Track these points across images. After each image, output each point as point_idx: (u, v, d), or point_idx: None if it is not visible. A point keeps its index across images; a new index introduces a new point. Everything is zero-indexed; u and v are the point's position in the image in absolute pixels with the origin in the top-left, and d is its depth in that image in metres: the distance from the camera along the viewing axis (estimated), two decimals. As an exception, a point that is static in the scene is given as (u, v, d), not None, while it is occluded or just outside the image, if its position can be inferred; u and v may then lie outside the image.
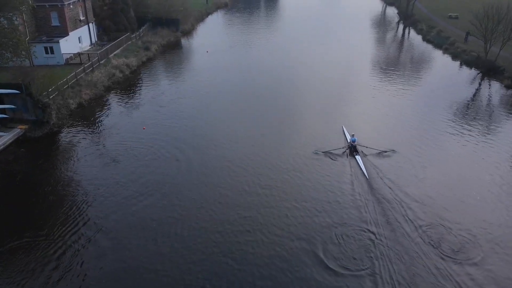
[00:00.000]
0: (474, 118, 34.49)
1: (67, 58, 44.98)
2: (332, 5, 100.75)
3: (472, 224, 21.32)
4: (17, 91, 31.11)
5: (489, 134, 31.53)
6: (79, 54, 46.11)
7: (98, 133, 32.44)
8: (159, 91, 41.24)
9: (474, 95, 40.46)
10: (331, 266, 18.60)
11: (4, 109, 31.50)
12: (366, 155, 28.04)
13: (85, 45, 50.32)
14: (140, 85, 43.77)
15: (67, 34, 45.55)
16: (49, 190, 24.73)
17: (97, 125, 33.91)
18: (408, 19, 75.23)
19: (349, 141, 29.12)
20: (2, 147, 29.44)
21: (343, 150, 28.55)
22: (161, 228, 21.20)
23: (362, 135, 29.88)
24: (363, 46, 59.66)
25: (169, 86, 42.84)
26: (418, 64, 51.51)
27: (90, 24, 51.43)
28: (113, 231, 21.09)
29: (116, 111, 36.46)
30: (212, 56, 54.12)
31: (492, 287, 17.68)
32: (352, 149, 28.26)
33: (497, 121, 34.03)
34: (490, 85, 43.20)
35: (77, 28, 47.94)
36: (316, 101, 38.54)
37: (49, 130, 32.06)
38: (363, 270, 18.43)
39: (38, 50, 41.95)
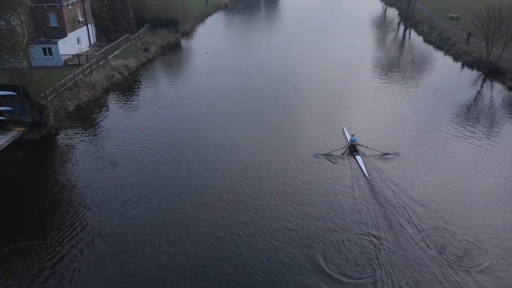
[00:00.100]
0: (477, 120, 34.14)
1: (66, 60, 44.66)
2: (332, 6, 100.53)
3: (477, 228, 20.91)
4: (14, 93, 30.79)
5: (492, 136, 31.15)
6: (77, 55, 45.76)
7: (96, 135, 32.08)
8: (158, 92, 40.89)
9: (476, 96, 40.10)
10: (332, 274, 18.15)
11: (1, 111, 31.20)
12: (366, 155, 27.73)
13: (84, 46, 49.97)
14: (139, 86, 43.43)
15: (65, 35, 45.25)
16: (46, 193, 24.36)
17: (95, 127, 33.54)
18: (408, 20, 74.87)
19: (349, 141, 28.90)
20: (-1, 149, 29.11)
21: (344, 150, 28.30)
22: (160, 233, 20.83)
23: (363, 136, 29.61)
24: (363, 46, 59.36)
25: (168, 88, 42.50)
26: (419, 65, 51.11)
27: (89, 25, 51.11)
28: (111, 235, 20.73)
29: (114, 113, 36.08)
30: (212, 57, 53.79)
31: (500, 295, 17.26)
32: (352, 149, 28.10)
33: (500, 123, 33.66)
34: (492, 86, 42.83)
35: (75, 29, 47.61)
36: (316, 101, 38.26)
37: (47, 132, 31.71)
38: (366, 277, 17.98)
39: (36, 51, 41.61)
